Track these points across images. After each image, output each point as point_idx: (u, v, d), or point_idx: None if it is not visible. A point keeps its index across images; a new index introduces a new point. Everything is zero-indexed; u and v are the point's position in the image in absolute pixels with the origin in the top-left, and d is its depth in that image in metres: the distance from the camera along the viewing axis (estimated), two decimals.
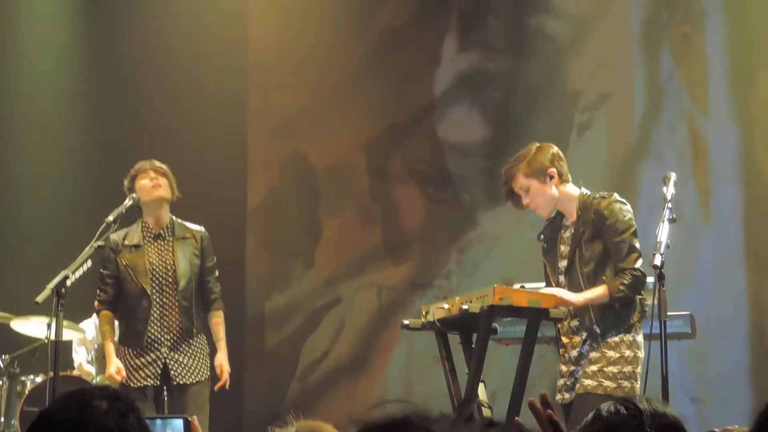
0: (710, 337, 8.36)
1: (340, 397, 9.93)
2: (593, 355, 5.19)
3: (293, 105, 10.35)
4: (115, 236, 6.36)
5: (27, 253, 9.78)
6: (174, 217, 6.54)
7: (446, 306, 5.36)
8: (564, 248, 5.31)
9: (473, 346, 5.43)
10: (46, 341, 7.68)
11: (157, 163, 6.53)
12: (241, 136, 10.41)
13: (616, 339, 5.20)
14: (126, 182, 6.52)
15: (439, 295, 9.47)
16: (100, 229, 6.36)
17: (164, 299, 6.34)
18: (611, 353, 5.20)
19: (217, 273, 6.56)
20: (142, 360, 6.30)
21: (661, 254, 4.84)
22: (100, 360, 8.42)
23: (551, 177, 5.31)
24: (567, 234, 5.33)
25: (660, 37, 9.62)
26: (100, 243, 6.29)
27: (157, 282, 6.35)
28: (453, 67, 10.12)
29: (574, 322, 5.25)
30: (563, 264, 5.29)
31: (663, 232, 4.95)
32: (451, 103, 10.09)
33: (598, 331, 5.19)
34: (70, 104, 10.33)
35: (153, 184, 6.40)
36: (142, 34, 10.34)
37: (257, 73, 10.51)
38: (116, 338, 6.53)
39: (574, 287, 5.20)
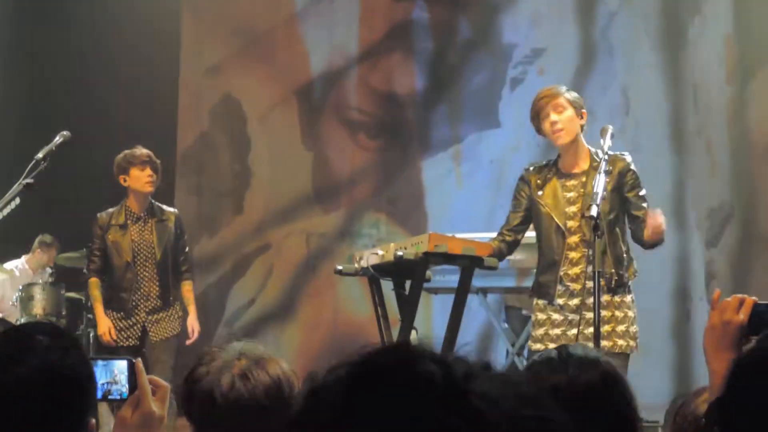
0: (636, 295, 8.47)
1: (267, 342, 9.87)
2: (604, 313, 5.20)
3: (225, 50, 10.25)
4: (103, 216, 7.20)
5: None
6: (153, 201, 7.27)
7: (380, 252, 5.36)
8: (573, 194, 5.29)
9: (406, 292, 5.44)
10: None
11: (155, 158, 7.16)
12: (172, 82, 10.30)
13: (620, 299, 5.27)
14: (119, 161, 7.11)
15: (368, 244, 9.49)
16: (29, 166, 6.30)
17: (145, 272, 7.16)
18: (618, 313, 5.26)
19: (187, 249, 7.44)
20: (125, 323, 7.16)
21: (597, 205, 4.88)
22: (24, 301, 8.37)
23: (582, 116, 5.35)
24: (573, 182, 5.32)
25: None
26: (28, 180, 6.22)
27: (139, 257, 7.16)
28: (388, 16, 10.08)
29: (588, 268, 5.23)
30: (572, 209, 5.27)
31: (599, 183, 4.99)
32: (385, 53, 10.06)
33: (615, 278, 5.22)
34: None
35: (148, 180, 7.09)
36: None
37: (190, 18, 10.38)
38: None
39: (590, 230, 5.20)
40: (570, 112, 5.33)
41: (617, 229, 5.30)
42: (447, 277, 6.38)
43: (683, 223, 9.33)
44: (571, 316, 5.22)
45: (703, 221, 9.36)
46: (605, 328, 5.19)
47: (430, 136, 9.97)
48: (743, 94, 9.40)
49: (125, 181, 7.09)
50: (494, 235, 5.65)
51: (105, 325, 7.09)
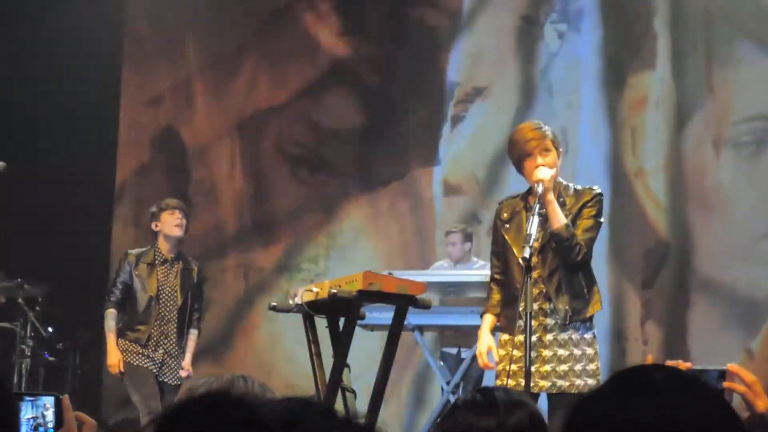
0: None
1: (203, 377, 9.84)
2: (561, 352, 5.18)
3: (167, 81, 10.22)
4: (133, 253, 7.64)
5: None
6: (181, 250, 7.71)
7: (315, 289, 5.34)
8: (539, 229, 5.22)
9: (340, 330, 5.43)
10: None
11: (184, 205, 7.77)
12: (112, 111, 10.24)
13: (578, 336, 5.21)
14: (153, 209, 7.68)
15: (307, 278, 9.48)
16: None
17: (166, 312, 7.49)
18: (577, 351, 5.21)
19: (203, 301, 7.86)
20: (143, 350, 7.41)
21: (530, 246, 4.90)
22: None
23: (559, 155, 5.33)
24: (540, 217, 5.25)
25: (536, 34, 9.77)
26: None
27: (162, 297, 7.49)
28: (331, 51, 10.11)
29: (546, 305, 5.20)
30: (535, 244, 5.20)
31: (533, 225, 5.01)
32: (328, 88, 10.08)
33: (570, 314, 5.17)
34: None
35: (177, 224, 7.60)
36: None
37: (132, 49, 10.35)
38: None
39: (547, 267, 5.17)
40: (554, 153, 5.31)
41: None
42: (385, 314, 6.38)
43: (620, 264, 9.41)
44: (531, 353, 5.18)
45: (639, 262, 9.44)
46: (562, 368, 5.16)
47: (371, 172, 9.99)
48: (679, 137, 9.51)
49: (156, 226, 7.60)
50: (430, 271, 5.64)
51: (115, 357, 7.33)
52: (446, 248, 8.75)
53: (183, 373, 7.49)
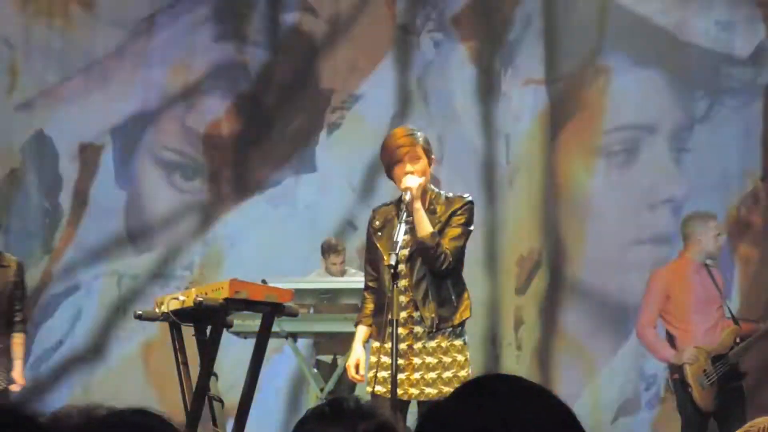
0: None
1: (74, 386, 9.70)
2: (430, 360, 5.16)
3: (38, 85, 10.04)
4: None
5: None
6: None
7: (181, 298, 5.29)
8: (407, 237, 5.17)
9: (207, 337, 5.38)
10: None
11: None
12: None
13: (447, 343, 5.19)
14: None
15: (181, 286, 9.38)
16: None
17: None
18: (446, 358, 5.19)
19: (24, 300, 7.39)
20: None
21: (396, 254, 4.92)
22: None
23: (431, 162, 5.28)
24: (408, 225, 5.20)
25: (412, 42, 9.84)
26: None
27: None
28: (207, 56, 10.04)
29: (415, 313, 5.17)
30: (404, 252, 5.16)
31: (400, 233, 5.03)
32: (203, 93, 10.01)
33: (436, 321, 5.15)
34: None
35: None
36: None
37: (2, 52, 10.14)
38: None
39: (414, 275, 5.15)
40: (424, 161, 5.29)
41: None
42: (257, 321, 6.34)
43: (494, 271, 9.52)
44: (400, 361, 5.17)
45: (512, 268, 9.56)
46: (430, 375, 5.17)
47: (247, 178, 9.94)
48: (553, 145, 9.66)
49: None
50: (306, 278, 5.63)
51: None
52: (326, 264, 8.67)
53: (14, 388, 7.16)
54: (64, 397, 9.52)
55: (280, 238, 9.74)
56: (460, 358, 5.26)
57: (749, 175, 9.48)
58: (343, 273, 8.60)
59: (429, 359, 5.19)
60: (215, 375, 5.34)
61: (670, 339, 7.13)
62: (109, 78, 10.05)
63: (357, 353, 5.33)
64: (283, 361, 9.04)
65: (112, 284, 9.88)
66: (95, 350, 9.83)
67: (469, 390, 1.88)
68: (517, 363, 9.44)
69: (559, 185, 9.66)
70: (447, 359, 5.25)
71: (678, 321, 7.10)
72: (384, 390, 5.13)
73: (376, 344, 5.31)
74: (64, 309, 9.87)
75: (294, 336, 7.87)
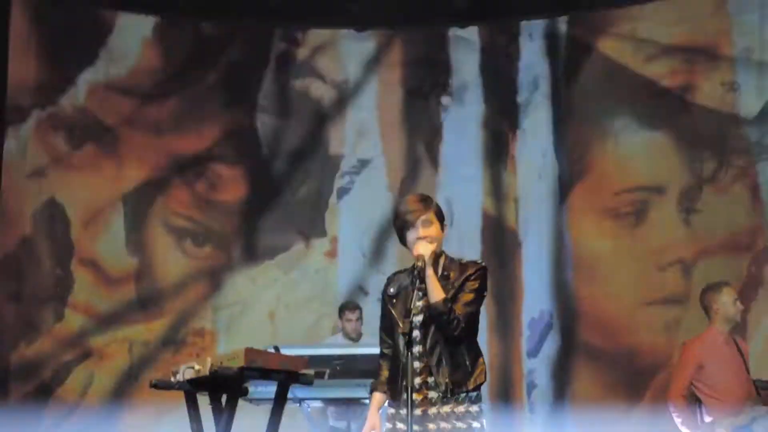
0: None
1: None
2: (444, 425, 5.16)
3: (50, 152, 10.11)
4: None
5: None
6: None
7: (196, 367, 5.30)
8: (422, 303, 5.21)
9: (223, 405, 5.38)
10: None
11: None
12: None
13: (463, 409, 5.19)
14: None
15: (192, 352, 9.39)
16: None
17: None
18: (460, 424, 5.18)
19: None
20: None
21: (410, 321, 4.92)
22: None
23: (444, 228, 5.32)
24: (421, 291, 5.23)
25: (421, 107, 9.91)
26: None
27: None
28: (217, 122, 10.11)
29: (429, 378, 5.19)
30: (419, 318, 5.20)
31: (413, 299, 5.04)
32: (213, 159, 10.07)
33: (450, 387, 5.15)
34: None
35: None
36: None
37: (14, 117, 10.23)
38: None
39: (429, 341, 5.16)
40: (437, 226, 5.33)
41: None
42: (270, 387, 6.35)
43: (505, 334, 9.51)
44: (415, 427, 5.16)
45: (523, 331, 9.56)
46: None
47: (257, 244, 9.98)
48: (563, 207, 9.69)
49: None
50: (320, 343, 5.63)
51: None
52: (342, 323, 8.69)
53: None
54: None
55: (291, 302, 9.76)
56: (476, 424, 5.24)
57: (758, 234, 9.50)
58: (358, 333, 8.60)
59: (443, 424, 5.18)
60: None
61: (698, 402, 7.19)
62: (122, 142, 10.11)
63: (372, 420, 5.33)
64: (296, 427, 9.02)
65: (123, 350, 9.87)
66: (108, 417, 9.80)
67: None
68: (531, 426, 9.42)
69: (570, 247, 9.67)
70: (461, 425, 5.23)
71: (710, 389, 7.17)
72: None
73: (391, 410, 5.31)
74: (76, 375, 9.85)
75: (301, 401, 7.85)
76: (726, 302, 7.22)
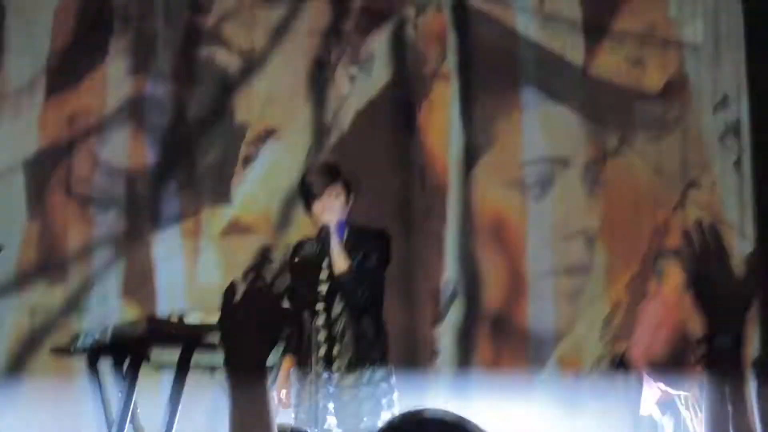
0: None
1: None
2: (348, 395, 5.16)
3: None
4: None
5: None
6: None
7: (98, 334, 5.28)
8: (326, 273, 5.19)
9: (124, 371, 5.36)
10: None
11: None
12: None
13: (368, 378, 5.20)
14: None
15: (96, 319, 9.28)
16: None
17: None
18: (367, 389, 5.20)
19: None
20: None
21: (314, 291, 4.94)
22: None
23: (349, 199, 5.28)
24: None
25: (327, 77, 9.89)
26: None
27: None
28: (120, 90, 9.99)
29: (334, 349, 5.18)
30: (324, 288, 5.17)
31: (318, 269, 5.06)
32: (116, 126, 9.95)
33: (355, 357, 5.16)
34: None
35: None
36: None
37: None
38: None
39: (333, 311, 5.16)
40: (343, 196, 5.32)
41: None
42: (173, 356, 6.31)
43: (410, 302, 9.57)
44: (320, 397, 5.18)
45: (428, 300, 9.63)
46: (350, 409, 5.20)
47: (161, 211, 9.89)
48: (468, 176, 9.77)
49: None
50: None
51: None
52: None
53: None
54: None
55: (195, 270, 9.70)
56: (383, 401, 5.31)
57: (660, 206, 9.68)
58: None
59: (348, 393, 5.22)
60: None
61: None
62: (20, 110, 9.94)
63: (283, 381, 5.36)
64: (203, 396, 8.98)
65: (24, 317, 9.73)
66: (6, 386, 9.66)
67: (396, 422, 1.95)
68: (435, 392, 9.49)
69: (475, 216, 9.76)
70: (367, 390, 5.28)
71: None
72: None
73: (300, 375, 5.34)
74: None
75: (212, 369, 7.83)
76: None
